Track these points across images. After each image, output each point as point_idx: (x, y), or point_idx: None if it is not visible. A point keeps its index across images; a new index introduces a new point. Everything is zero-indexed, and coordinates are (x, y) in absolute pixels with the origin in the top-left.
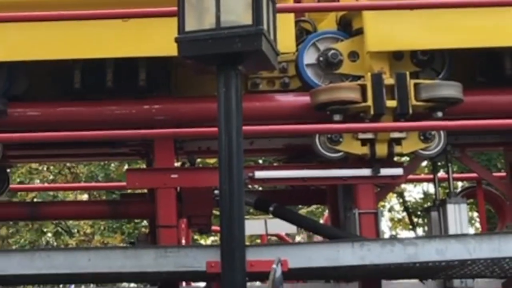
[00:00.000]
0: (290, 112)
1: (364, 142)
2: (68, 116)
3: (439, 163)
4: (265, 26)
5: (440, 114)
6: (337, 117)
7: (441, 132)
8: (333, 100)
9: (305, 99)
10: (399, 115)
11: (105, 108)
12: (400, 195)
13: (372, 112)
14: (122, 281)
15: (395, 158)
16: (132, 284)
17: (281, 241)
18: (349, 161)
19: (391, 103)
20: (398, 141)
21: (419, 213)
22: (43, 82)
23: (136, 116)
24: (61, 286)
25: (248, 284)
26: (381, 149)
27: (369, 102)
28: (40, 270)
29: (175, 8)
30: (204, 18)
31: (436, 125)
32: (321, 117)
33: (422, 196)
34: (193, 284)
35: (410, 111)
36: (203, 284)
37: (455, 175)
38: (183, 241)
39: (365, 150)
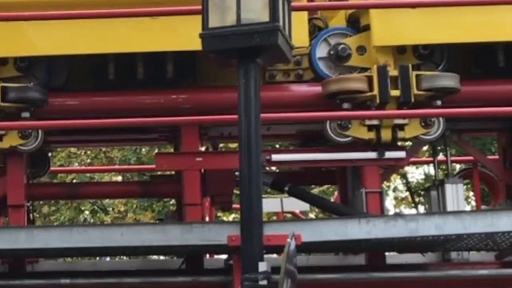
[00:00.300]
0: (303, 100)
1: (370, 128)
2: (103, 105)
3: (438, 147)
4: (281, 23)
5: (439, 102)
6: (346, 105)
7: (440, 119)
8: (343, 89)
9: (317, 89)
10: (402, 103)
11: (136, 97)
12: (403, 176)
13: (377, 100)
14: (151, 254)
15: (399, 143)
16: (161, 257)
17: (295, 217)
18: (356, 145)
19: (395, 93)
20: (401, 127)
21: (420, 192)
22: (80, 75)
23: (164, 105)
24: (97, 258)
25: (265, 256)
26: (386, 134)
27: (375, 91)
28: (78, 244)
29: (200, 7)
30: (226, 15)
31: (436, 112)
32: (331, 105)
33: (423, 177)
34: (215, 256)
35: (412, 99)
36: (224, 256)
37: (453, 158)
38: (207, 218)
39: (371, 135)
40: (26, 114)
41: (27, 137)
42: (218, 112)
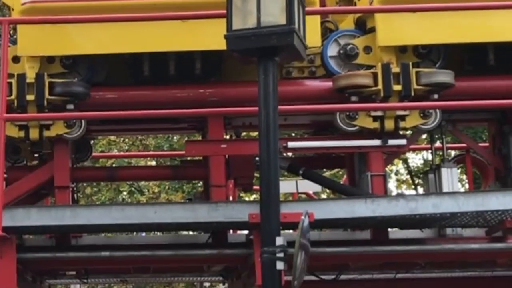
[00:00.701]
0: (316, 94)
1: (375, 118)
2: (139, 98)
3: (435, 135)
4: (296, 25)
5: (436, 96)
6: (353, 98)
7: (437, 110)
8: (351, 84)
9: (328, 84)
10: (403, 96)
11: (169, 91)
12: (405, 161)
13: (381, 94)
14: (181, 230)
15: (400, 132)
16: (190, 232)
17: (309, 198)
18: (363, 133)
19: (397, 87)
20: (402, 118)
21: (419, 175)
22: (119, 71)
23: (193, 98)
24: (133, 233)
25: (282, 231)
26: (389, 124)
27: (380, 86)
28: (116, 221)
29: (224, 11)
30: (247, 19)
31: (433, 105)
32: (341, 98)
33: (422, 162)
34: (238, 232)
35: (412, 93)
36: (246, 232)
37: (448, 145)
38: (230, 198)
39: (376, 124)
40: (70, 106)
41: (71, 126)
42: (241, 104)
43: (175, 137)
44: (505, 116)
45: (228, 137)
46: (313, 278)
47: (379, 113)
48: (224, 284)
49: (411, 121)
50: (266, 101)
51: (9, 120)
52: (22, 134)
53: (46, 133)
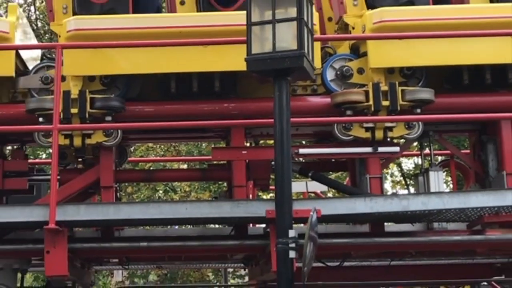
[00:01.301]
0: (318, 109)
1: (367, 129)
2: (174, 111)
3: (424, 143)
4: (305, 50)
5: (418, 110)
6: (348, 112)
7: (420, 123)
8: (346, 100)
9: (327, 100)
10: (391, 111)
11: (198, 106)
12: (399, 165)
13: (372, 108)
14: (208, 224)
15: (395, 140)
16: (216, 226)
17: (317, 196)
18: (357, 142)
19: (385, 103)
20: (390, 129)
21: (411, 177)
22: (150, 88)
23: (219, 111)
24: (168, 227)
25: (294, 225)
26: (379, 134)
27: (371, 102)
28: (153, 216)
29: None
30: (264, 44)
31: (416, 118)
32: (338, 112)
33: (413, 166)
34: (256, 225)
35: (398, 108)
36: (263, 225)
37: (435, 151)
38: (250, 196)
39: (368, 134)
40: (108, 118)
41: (109, 135)
42: (259, 117)
43: (203, 144)
44: (484, 128)
45: (248, 144)
46: (320, 264)
47: (370, 125)
48: (244, 270)
49: (397, 131)
50: (281, 114)
51: (61, 130)
52: (67, 141)
53: (88, 141)
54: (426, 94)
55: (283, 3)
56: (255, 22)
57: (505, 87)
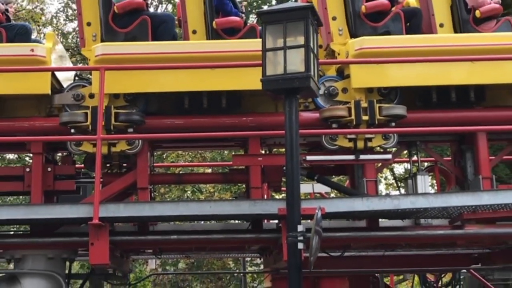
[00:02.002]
0: (309, 122)
1: (350, 139)
2: (200, 124)
3: (413, 152)
4: (312, 72)
5: (393, 124)
6: (334, 125)
7: (395, 134)
8: (332, 115)
9: (316, 115)
10: (370, 124)
11: (220, 119)
12: (391, 170)
13: (354, 122)
14: (229, 219)
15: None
16: (236, 221)
17: (322, 196)
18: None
19: (365, 118)
20: (370, 139)
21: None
22: (166, 104)
23: (238, 124)
24: (194, 222)
25: (302, 221)
26: (360, 144)
27: (353, 116)
28: (182, 213)
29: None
30: (277, 67)
31: (391, 130)
32: (325, 125)
33: (403, 170)
34: (270, 221)
35: (376, 122)
36: (276, 221)
37: (422, 159)
38: (265, 196)
39: (350, 144)
40: (130, 130)
41: (131, 144)
42: (272, 129)
43: (225, 152)
44: (463, 138)
45: (263, 152)
46: (324, 254)
47: (353, 136)
48: (260, 259)
49: (376, 142)
50: (291, 126)
51: (104, 139)
52: (95, 149)
53: (113, 149)
54: (399, 110)
55: (293, 32)
56: (269, 48)
57: (466, 104)
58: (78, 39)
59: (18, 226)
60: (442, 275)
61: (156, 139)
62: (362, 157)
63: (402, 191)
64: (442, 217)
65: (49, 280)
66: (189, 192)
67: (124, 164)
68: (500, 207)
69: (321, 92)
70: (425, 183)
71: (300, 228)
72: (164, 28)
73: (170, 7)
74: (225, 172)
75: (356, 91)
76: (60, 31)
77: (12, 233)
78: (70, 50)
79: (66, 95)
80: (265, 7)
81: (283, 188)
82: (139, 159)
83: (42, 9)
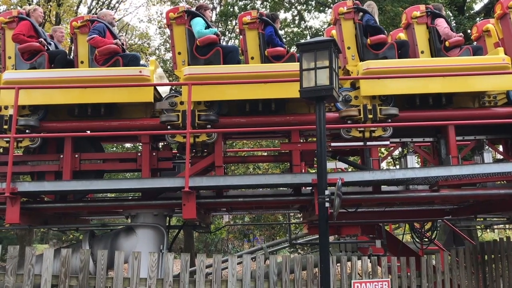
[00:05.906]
0: (332, 119)
1: (360, 131)
2: (259, 122)
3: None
4: (334, 85)
5: (389, 120)
6: (349, 122)
7: (390, 128)
8: (348, 115)
9: (336, 115)
10: (373, 121)
11: (272, 118)
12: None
13: (362, 119)
14: (277, 187)
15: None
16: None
17: (342, 171)
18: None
19: (370, 116)
20: (373, 131)
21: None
22: (233, 108)
23: (283, 121)
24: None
25: (328, 187)
26: (367, 134)
27: (362, 115)
28: (246, 182)
29: (298, 78)
30: (310, 81)
31: (388, 124)
32: (343, 122)
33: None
34: (306, 188)
35: (378, 119)
36: (310, 187)
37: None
38: (303, 170)
39: (360, 134)
40: (209, 126)
41: (210, 136)
42: (307, 124)
43: (275, 141)
44: (438, 130)
45: (301, 140)
46: (343, 210)
47: (362, 129)
48: (300, 214)
49: (378, 133)
50: (320, 123)
51: (191, 133)
52: (182, 139)
53: (197, 140)
54: (393, 110)
55: (321, 57)
56: (305, 68)
57: (440, 106)
58: (172, 64)
59: (133, 193)
60: (425, 224)
61: (227, 132)
62: (368, 143)
63: (397, 166)
64: (424, 184)
65: (155, 230)
66: (251, 168)
67: (205, 150)
68: (464, 177)
69: (340, 99)
70: (412, 161)
71: (326, 192)
72: (231, 55)
73: (237, 41)
74: (275, 155)
75: (364, 98)
76: (160, 59)
77: (130, 198)
78: (167, 72)
79: (164, 103)
80: (302, 40)
81: (315, 165)
82: (216, 146)
83: (148, 43)
